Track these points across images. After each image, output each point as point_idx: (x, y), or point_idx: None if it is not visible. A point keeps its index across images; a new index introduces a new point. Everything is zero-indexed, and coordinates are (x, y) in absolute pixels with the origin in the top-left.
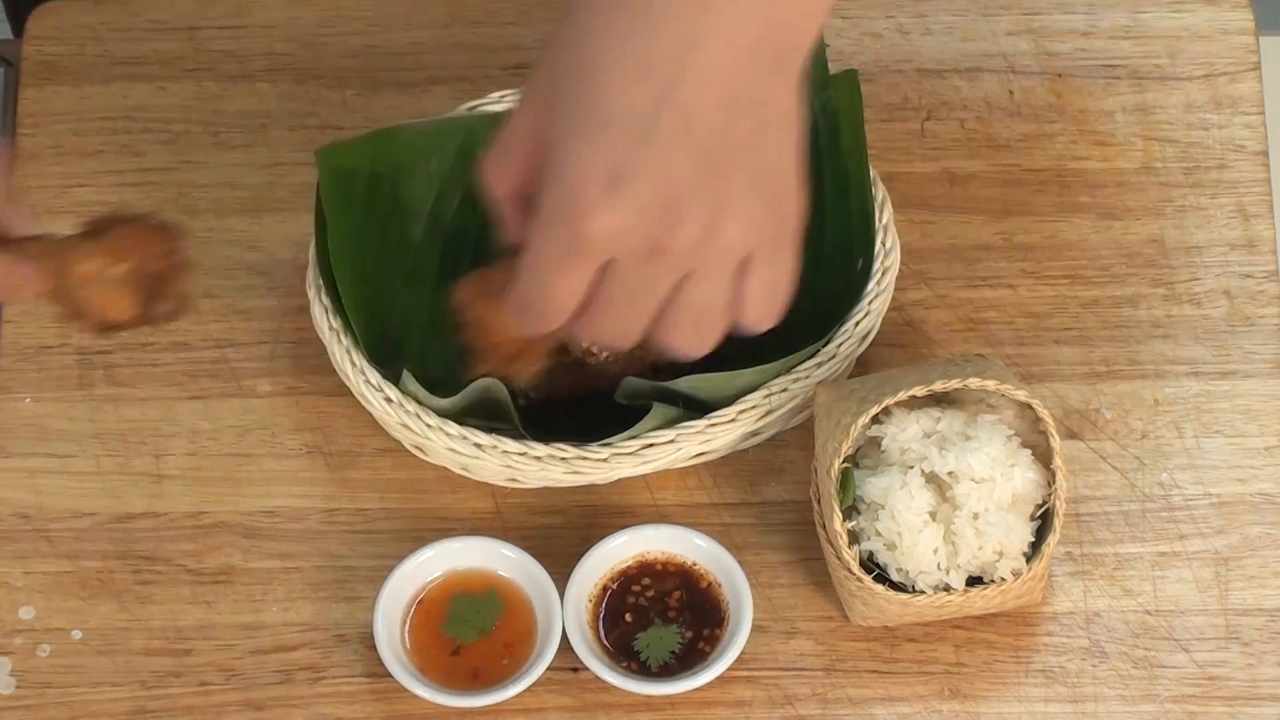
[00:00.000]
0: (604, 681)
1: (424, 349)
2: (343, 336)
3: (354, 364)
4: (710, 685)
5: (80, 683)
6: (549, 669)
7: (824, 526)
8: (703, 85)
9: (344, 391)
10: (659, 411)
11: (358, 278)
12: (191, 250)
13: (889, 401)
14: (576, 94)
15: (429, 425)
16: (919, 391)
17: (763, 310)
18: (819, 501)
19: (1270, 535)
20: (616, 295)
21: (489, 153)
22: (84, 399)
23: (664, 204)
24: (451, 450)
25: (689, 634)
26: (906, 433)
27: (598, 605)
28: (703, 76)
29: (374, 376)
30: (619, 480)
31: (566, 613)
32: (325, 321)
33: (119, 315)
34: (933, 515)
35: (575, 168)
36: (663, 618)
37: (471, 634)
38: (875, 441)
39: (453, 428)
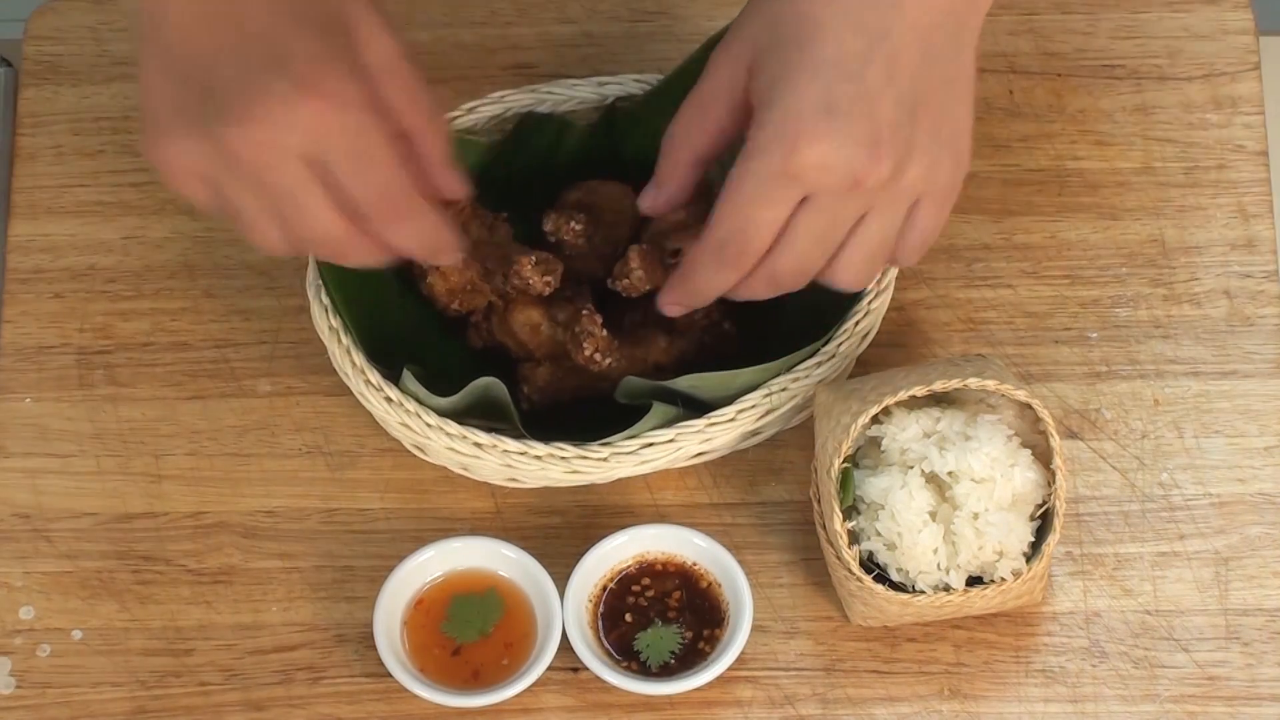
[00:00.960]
0: (604, 681)
1: (423, 348)
2: (342, 336)
3: (354, 363)
4: (710, 685)
5: (80, 683)
6: (549, 669)
7: (824, 526)
8: (906, 39)
9: (344, 391)
10: (658, 411)
11: (357, 277)
12: (190, 250)
13: (889, 401)
14: (794, 41)
15: (429, 425)
16: (919, 391)
17: (914, 252)
18: (819, 501)
19: (1270, 535)
20: (806, 233)
21: (682, 109)
22: (84, 399)
23: (869, 140)
24: (451, 450)
25: (689, 634)
26: (906, 433)
27: (597, 605)
28: (907, 33)
29: (374, 376)
30: (619, 480)
31: (566, 613)
32: (325, 321)
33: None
34: (933, 515)
35: (794, 98)
36: (663, 618)
37: (471, 634)
38: (875, 441)
39: (453, 427)
